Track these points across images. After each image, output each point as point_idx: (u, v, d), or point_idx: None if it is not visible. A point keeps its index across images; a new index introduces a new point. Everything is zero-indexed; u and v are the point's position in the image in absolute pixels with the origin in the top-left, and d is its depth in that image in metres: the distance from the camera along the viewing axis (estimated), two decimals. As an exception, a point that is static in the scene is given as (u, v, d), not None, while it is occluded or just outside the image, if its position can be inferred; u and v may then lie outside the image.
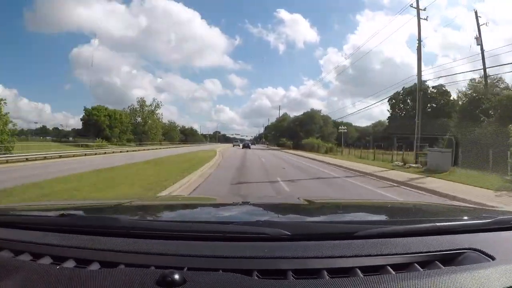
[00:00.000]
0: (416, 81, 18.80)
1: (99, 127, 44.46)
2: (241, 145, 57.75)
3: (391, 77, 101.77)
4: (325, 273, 0.65)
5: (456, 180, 10.18)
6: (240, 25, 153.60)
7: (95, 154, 26.15)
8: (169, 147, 46.66)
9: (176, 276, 0.58)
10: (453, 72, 25.87)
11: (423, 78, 19.32)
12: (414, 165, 15.90)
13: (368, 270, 0.67)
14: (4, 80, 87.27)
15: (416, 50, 17.48)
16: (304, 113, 56.04)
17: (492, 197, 7.27)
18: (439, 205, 2.60)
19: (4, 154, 18.75)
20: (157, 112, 59.15)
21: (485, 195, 7.59)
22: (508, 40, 42.31)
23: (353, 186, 9.55)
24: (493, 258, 0.70)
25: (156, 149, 39.80)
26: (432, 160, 14.04)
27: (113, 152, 29.64)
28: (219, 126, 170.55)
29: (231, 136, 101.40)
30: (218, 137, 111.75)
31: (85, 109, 46.49)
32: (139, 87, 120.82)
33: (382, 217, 1.40)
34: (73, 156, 22.46)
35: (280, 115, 69.01)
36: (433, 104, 39.61)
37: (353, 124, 63.66)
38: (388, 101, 41.58)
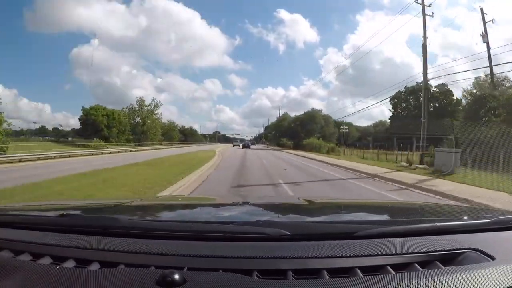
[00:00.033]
0: (418, 80, 18.21)
1: (97, 127, 44.00)
2: (241, 145, 57.74)
3: (391, 77, 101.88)
4: (325, 273, 0.65)
5: (468, 182, 9.77)
6: (240, 25, 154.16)
7: (91, 154, 25.63)
8: (168, 147, 46.28)
9: (176, 276, 0.59)
10: (454, 72, 25.31)
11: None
12: (420, 165, 15.41)
13: (368, 270, 0.67)
14: (4, 80, 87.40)
15: (422, 47, 16.97)
16: (305, 113, 55.55)
17: (513, 202, 6.74)
18: (439, 205, 2.58)
19: (-4, 154, 18.20)
20: (156, 112, 58.79)
21: (502, 198, 7.13)
22: (508, 39, 41.65)
23: (360, 189, 9.07)
24: (493, 258, 0.70)
25: (155, 149, 39.42)
26: (439, 160, 13.54)
27: (110, 152, 29.20)
28: (219, 126, 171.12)
29: (231, 136, 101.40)
30: (218, 137, 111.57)
31: (83, 109, 46.09)
32: (139, 87, 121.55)
33: (382, 217, 1.39)
34: (69, 156, 21.93)
35: (281, 115, 68.50)
36: (436, 104, 39.15)
37: (354, 124, 63.16)
38: (390, 100, 41.10)
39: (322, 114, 54.99)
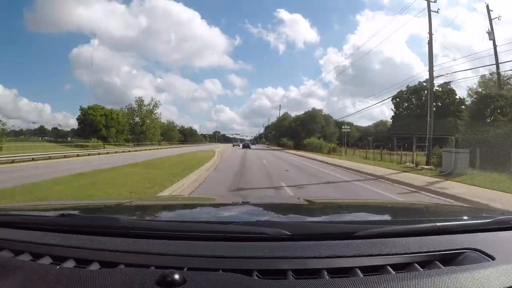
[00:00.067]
0: (419, 79, 17.71)
1: (95, 127, 43.59)
2: (241, 145, 57.75)
3: (391, 77, 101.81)
4: (325, 273, 0.65)
5: (480, 184, 9.36)
6: (240, 25, 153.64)
7: (88, 155, 25.17)
8: (167, 148, 45.88)
9: (176, 276, 0.59)
10: (458, 70, 24.75)
11: (425, 77, 18.24)
12: (426, 166, 14.91)
13: (368, 270, 0.67)
14: (4, 80, 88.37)
15: (427, 44, 16.39)
16: (305, 113, 55.14)
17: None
18: (439, 205, 2.59)
19: (-11, 155, 17.66)
20: (155, 111, 58.32)
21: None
22: (508, 39, 41.11)
23: (367, 192, 8.58)
24: (493, 258, 0.71)
25: (153, 149, 38.98)
26: (447, 161, 12.99)
27: (107, 152, 28.79)
28: (219, 126, 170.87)
29: (231, 136, 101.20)
30: (218, 137, 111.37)
31: (81, 109, 45.61)
32: (139, 87, 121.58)
33: (382, 217, 1.37)
34: (64, 157, 21.37)
35: (281, 114, 67.99)
36: (438, 103, 38.62)
37: (354, 124, 62.59)
38: (392, 100, 40.55)
39: (323, 114, 54.42)
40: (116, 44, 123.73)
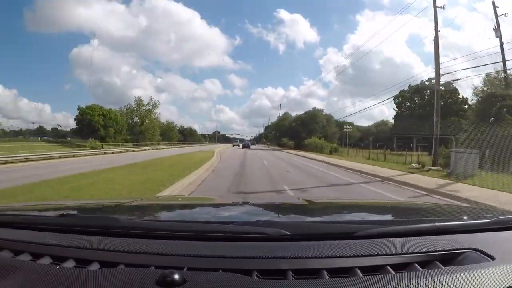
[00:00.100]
0: (421, 79, 17.18)
1: (93, 127, 42.96)
2: (241, 145, 57.77)
3: (391, 77, 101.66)
4: (325, 273, 0.66)
5: (492, 186, 8.91)
6: (240, 25, 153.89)
7: (85, 155, 24.72)
8: (166, 148, 45.29)
9: (176, 276, 0.59)
10: (457, 70, 24.18)
11: (426, 77, 17.69)
12: (433, 167, 14.35)
13: (368, 270, 0.67)
14: (4, 80, 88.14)
15: (433, 41, 15.88)
16: (306, 112, 54.62)
17: None
18: (439, 205, 2.66)
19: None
20: (154, 111, 57.64)
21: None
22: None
23: (376, 196, 8.16)
24: (492, 258, 0.71)
25: (152, 149, 38.51)
26: (456, 162, 12.45)
27: (104, 153, 28.20)
28: (219, 126, 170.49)
29: (231, 136, 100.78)
30: (218, 137, 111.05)
31: (79, 108, 44.88)
32: (139, 87, 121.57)
33: (382, 217, 1.38)
34: (59, 158, 20.83)
35: (281, 114, 67.34)
36: (441, 103, 38.05)
37: (355, 124, 62.06)
38: (394, 99, 39.96)
39: (324, 113, 53.77)
40: (116, 44, 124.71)
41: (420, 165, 15.26)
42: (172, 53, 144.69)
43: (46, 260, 0.72)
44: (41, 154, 19.94)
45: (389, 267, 0.67)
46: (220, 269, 0.65)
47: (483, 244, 0.76)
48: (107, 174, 10.23)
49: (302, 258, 0.69)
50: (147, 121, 56.06)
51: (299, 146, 45.62)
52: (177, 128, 78.39)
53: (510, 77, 23.06)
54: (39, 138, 55.29)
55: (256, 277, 0.64)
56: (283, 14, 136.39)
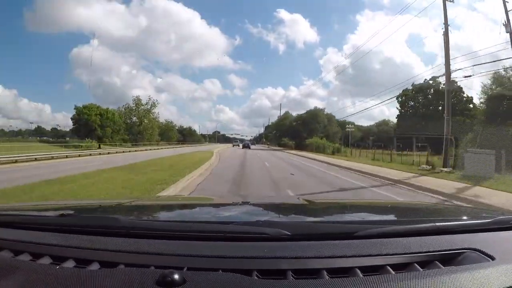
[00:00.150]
0: (423, 78, 16.37)
1: (90, 126, 42.21)
2: (240, 145, 57.54)
3: (391, 77, 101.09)
4: (325, 273, 0.66)
5: None
6: (240, 25, 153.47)
7: (79, 155, 23.99)
8: (164, 148, 44.54)
9: (176, 276, 0.59)
10: (459, 68, 23.36)
11: (427, 77, 16.93)
12: (444, 169, 13.51)
13: (368, 270, 0.67)
14: (4, 80, 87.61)
15: (443, 36, 15.18)
16: (307, 112, 54.06)
17: None
18: (439, 205, 2.79)
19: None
20: (153, 111, 56.92)
21: None
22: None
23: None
24: (492, 258, 0.71)
25: (150, 149, 37.86)
26: (470, 164, 11.62)
27: (99, 153, 27.52)
28: (219, 126, 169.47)
29: (231, 136, 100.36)
30: (218, 137, 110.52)
31: (76, 108, 44.19)
32: (139, 87, 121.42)
33: (382, 217, 1.37)
34: (52, 158, 20.09)
35: (282, 114, 66.49)
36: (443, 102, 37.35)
37: (356, 124, 61.29)
38: (397, 98, 39.16)
39: (325, 113, 52.97)
40: (116, 44, 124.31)
41: (431, 167, 14.46)
42: (172, 53, 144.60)
43: (46, 260, 0.73)
44: (33, 155, 19.16)
45: (389, 267, 0.67)
46: (220, 269, 0.65)
47: (483, 244, 0.76)
48: (101, 176, 9.50)
49: (302, 258, 0.69)
50: (145, 121, 55.67)
51: (300, 146, 45.24)
52: (177, 128, 78.09)
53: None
54: (38, 138, 54.63)
55: (256, 277, 0.64)
56: (283, 14, 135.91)
